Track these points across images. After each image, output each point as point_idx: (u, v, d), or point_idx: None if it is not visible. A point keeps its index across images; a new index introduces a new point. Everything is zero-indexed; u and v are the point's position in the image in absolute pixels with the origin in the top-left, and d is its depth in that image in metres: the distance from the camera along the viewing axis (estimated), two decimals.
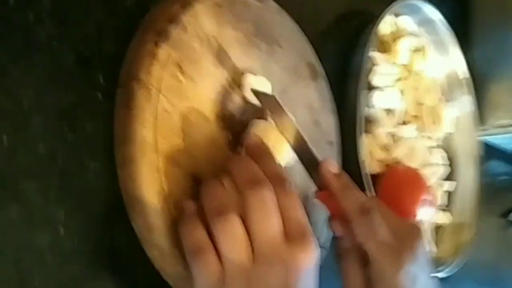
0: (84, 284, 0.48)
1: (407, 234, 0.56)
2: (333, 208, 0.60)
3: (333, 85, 0.75)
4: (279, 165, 0.55)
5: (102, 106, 0.50)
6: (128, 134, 0.50)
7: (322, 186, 0.59)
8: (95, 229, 0.49)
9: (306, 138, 0.58)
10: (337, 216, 0.60)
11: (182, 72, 0.54)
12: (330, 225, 0.61)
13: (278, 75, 0.65)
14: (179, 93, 0.53)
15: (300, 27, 0.71)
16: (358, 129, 0.77)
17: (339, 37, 0.83)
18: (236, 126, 0.59)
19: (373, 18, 0.84)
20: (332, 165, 0.59)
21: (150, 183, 0.50)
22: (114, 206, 0.50)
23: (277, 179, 0.51)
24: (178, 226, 0.50)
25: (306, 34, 0.72)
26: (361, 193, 0.59)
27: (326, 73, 0.74)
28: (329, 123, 0.72)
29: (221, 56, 0.58)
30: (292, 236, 0.48)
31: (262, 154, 0.54)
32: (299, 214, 0.50)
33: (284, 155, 0.58)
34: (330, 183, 0.58)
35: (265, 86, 0.62)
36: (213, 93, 0.57)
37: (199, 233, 0.48)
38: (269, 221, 0.48)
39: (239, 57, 0.61)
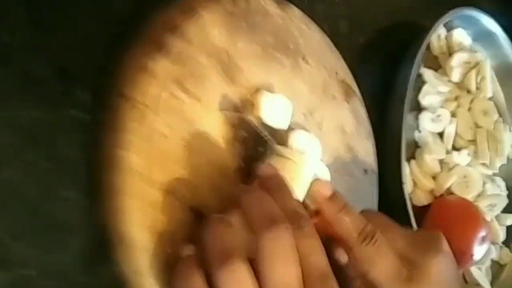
0: None
1: (423, 254, 0.47)
2: (334, 233, 0.51)
3: (371, 106, 0.67)
4: (298, 201, 0.47)
5: (82, 127, 0.43)
6: (113, 161, 0.43)
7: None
8: (72, 271, 0.42)
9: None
10: (340, 241, 0.51)
11: (185, 91, 0.47)
12: (334, 251, 0.52)
13: (303, 94, 0.57)
14: (180, 115, 0.46)
15: (333, 41, 0.62)
16: (402, 155, 0.67)
17: (380, 53, 0.74)
18: (248, 153, 0.51)
19: (422, 31, 0.74)
20: (323, 186, 0.50)
21: (140, 219, 0.43)
22: (94, 245, 0.43)
23: (295, 217, 0.43)
24: (172, 274, 0.42)
25: (340, 49, 0.63)
26: (359, 215, 0.49)
27: (363, 93, 0.65)
28: (365, 149, 0.63)
29: (232, 72, 0.51)
30: (312, 285, 0.40)
31: (279, 187, 0.47)
32: (320, 258, 0.42)
33: (303, 189, 0.50)
34: (323, 207, 0.49)
35: (284, 105, 0.54)
36: (223, 114, 0.50)
37: (196, 284, 0.40)
38: (286, 269, 0.40)
39: (255, 73, 0.53)
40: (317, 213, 0.50)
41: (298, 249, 0.41)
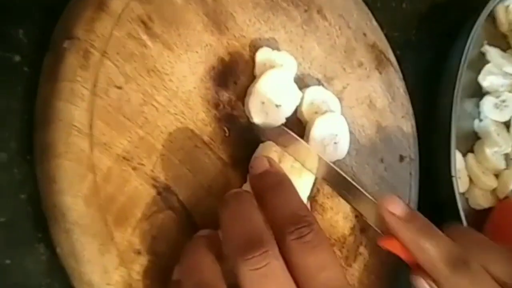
0: None
1: None
2: (410, 257, 0.40)
3: (418, 86, 0.55)
4: (299, 200, 0.36)
5: (19, 74, 0.35)
6: (50, 114, 0.34)
7: (385, 231, 0.41)
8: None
9: (341, 171, 0.40)
10: (418, 267, 0.39)
11: (150, 33, 0.37)
12: (410, 280, 0.41)
13: (318, 56, 0.46)
14: (141, 63, 0.37)
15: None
16: (452, 143, 0.54)
17: (434, 26, 0.62)
18: (236, 123, 0.41)
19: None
20: (393, 203, 0.40)
21: (75, 186, 0.33)
22: (20, 218, 0.34)
23: (295, 223, 0.34)
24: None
25: (382, 15, 0.52)
26: (444, 237, 0.39)
27: (409, 71, 0.53)
28: (401, 130, 0.51)
29: (219, 18, 0.41)
30: None
31: (274, 186, 0.37)
32: (334, 273, 0.33)
33: (305, 188, 0.39)
34: (396, 231, 0.39)
35: (288, 66, 0.43)
36: (204, 70, 0.40)
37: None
38: None
39: (252, 23, 0.43)
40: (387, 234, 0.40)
41: (300, 270, 0.32)
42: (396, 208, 0.40)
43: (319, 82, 0.46)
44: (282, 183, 0.36)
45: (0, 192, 0.34)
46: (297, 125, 0.44)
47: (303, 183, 0.40)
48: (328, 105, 0.44)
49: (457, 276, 0.37)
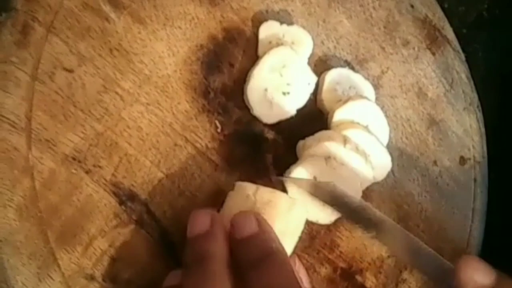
0: None
1: None
2: None
3: (489, 75, 0.44)
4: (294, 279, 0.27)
5: None
6: None
7: None
8: None
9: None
10: None
11: (114, 3, 0.30)
12: None
13: (347, 33, 0.37)
14: (102, 41, 0.29)
15: None
16: None
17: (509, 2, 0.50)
18: (232, 116, 0.33)
19: None
20: (478, 269, 0.31)
21: (6, 193, 0.26)
22: None
23: None
24: None
25: None
26: None
27: (481, 56, 0.43)
28: (462, 125, 0.40)
29: None
30: None
31: (261, 259, 0.27)
32: None
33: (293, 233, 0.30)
34: None
35: (302, 44, 0.34)
36: (188, 50, 0.32)
37: None
38: None
39: None
40: None
41: None
42: (482, 276, 0.30)
43: (347, 65, 0.37)
44: (273, 255, 0.27)
45: None
46: (314, 119, 0.34)
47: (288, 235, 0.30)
48: (358, 91, 0.35)
49: None
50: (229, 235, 0.28)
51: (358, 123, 0.34)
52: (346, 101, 0.34)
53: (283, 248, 0.28)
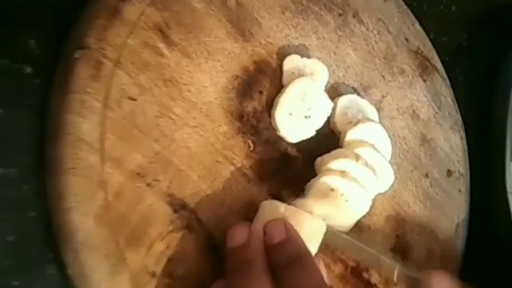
0: None
1: None
2: None
3: (471, 98, 0.51)
4: (322, 279, 0.33)
5: (30, 85, 0.33)
6: (59, 128, 0.32)
7: None
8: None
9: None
10: None
11: (167, 42, 0.35)
12: None
13: (354, 63, 0.43)
14: (157, 72, 0.34)
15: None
16: (507, 161, 0.50)
17: (486, 33, 0.57)
18: (262, 136, 0.38)
19: None
20: (442, 280, 0.37)
21: (85, 203, 0.31)
22: (28, 237, 0.32)
23: None
24: None
25: (427, 19, 0.48)
26: None
27: (460, 81, 0.49)
28: (449, 142, 0.47)
29: (243, 24, 0.38)
30: None
31: (293, 261, 0.33)
32: None
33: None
34: None
35: (319, 75, 0.40)
36: (226, 80, 0.37)
37: None
38: None
39: (280, 29, 0.40)
40: None
41: None
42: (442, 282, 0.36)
43: (355, 91, 0.43)
44: (301, 258, 0.33)
45: (8, 210, 0.32)
46: (329, 138, 0.40)
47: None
48: (364, 115, 0.41)
49: None
50: (264, 243, 0.34)
51: (366, 142, 0.40)
52: (356, 123, 0.40)
53: (308, 250, 0.34)
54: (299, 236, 0.34)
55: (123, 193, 0.33)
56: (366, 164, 0.38)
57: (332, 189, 0.37)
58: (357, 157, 0.38)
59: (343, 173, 0.38)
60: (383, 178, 0.40)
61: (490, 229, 0.51)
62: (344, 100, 0.41)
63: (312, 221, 0.35)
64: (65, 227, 0.32)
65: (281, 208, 0.35)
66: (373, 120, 0.41)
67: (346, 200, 0.37)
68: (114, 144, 0.33)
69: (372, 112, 0.42)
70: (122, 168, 0.33)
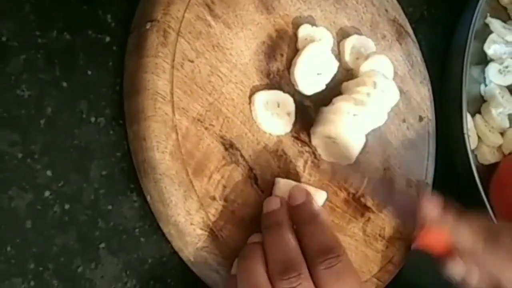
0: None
1: None
2: (442, 248, 0.49)
3: (431, 56, 0.62)
4: (330, 232, 0.42)
5: (109, 52, 0.42)
6: (138, 85, 0.41)
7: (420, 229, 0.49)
8: (91, 197, 0.40)
9: None
10: (450, 255, 0.49)
11: (213, 15, 0.44)
12: (448, 268, 0.49)
13: (349, 31, 0.53)
14: (207, 39, 0.43)
15: None
16: (464, 105, 0.61)
17: (442, 2, 0.68)
18: (283, 89, 0.48)
19: None
20: (430, 207, 0.49)
21: (162, 143, 0.40)
22: (116, 171, 0.41)
23: (325, 254, 0.40)
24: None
25: None
26: (478, 219, 0.47)
27: (422, 42, 0.60)
28: (420, 94, 0.58)
29: (267, 0, 0.47)
30: None
31: (309, 219, 0.43)
32: None
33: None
34: (439, 224, 0.48)
35: (325, 40, 0.50)
36: (256, 45, 0.46)
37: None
38: None
39: (294, 3, 0.49)
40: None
41: None
42: (433, 210, 0.47)
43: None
44: (317, 217, 0.43)
45: (102, 151, 0.41)
46: (335, 91, 0.50)
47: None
48: (366, 48, 0.51)
49: (492, 247, 0.44)
50: (288, 205, 0.44)
51: (378, 71, 0.50)
52: (367, 57, 0.50)
53: (322, 210, 0.44)
54: (314, 199, 0.44)
55: (188, 135, 0.42)
56: (381, 88, 0.48)
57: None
58: (374, 83, 0.48)
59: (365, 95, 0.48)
60: (392, 97, 0.50)
61: (450, 166, 0.63)
62: (350, 41, 0.51)
63: (316, 192, 0.45)
64: (148, 162, 0.41)
65: (292, 183, 0.45)
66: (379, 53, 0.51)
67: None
68: (180, 97, 0.42)
69: (371, 45, 0.52)
70: (187, 115, 0.42)
